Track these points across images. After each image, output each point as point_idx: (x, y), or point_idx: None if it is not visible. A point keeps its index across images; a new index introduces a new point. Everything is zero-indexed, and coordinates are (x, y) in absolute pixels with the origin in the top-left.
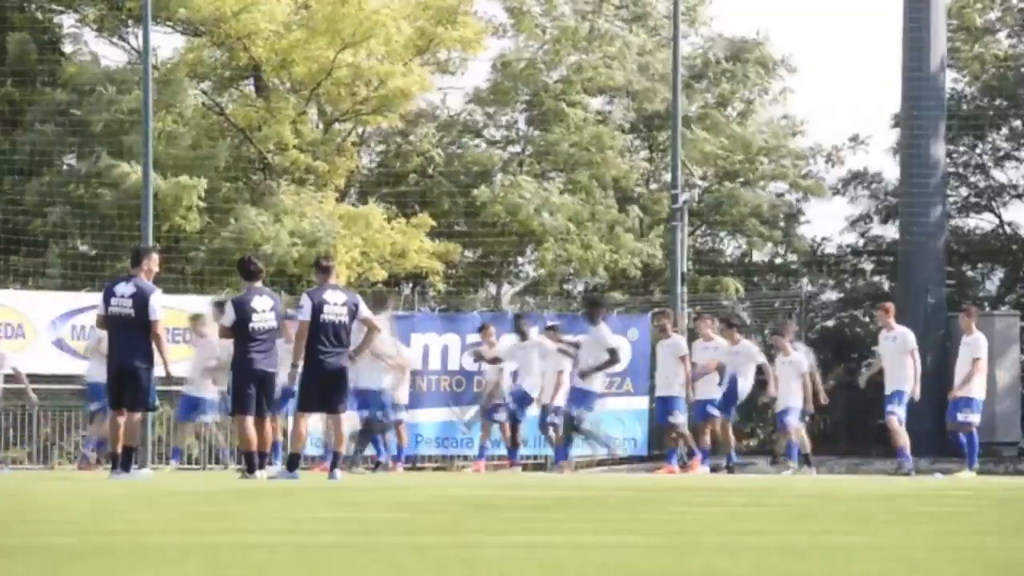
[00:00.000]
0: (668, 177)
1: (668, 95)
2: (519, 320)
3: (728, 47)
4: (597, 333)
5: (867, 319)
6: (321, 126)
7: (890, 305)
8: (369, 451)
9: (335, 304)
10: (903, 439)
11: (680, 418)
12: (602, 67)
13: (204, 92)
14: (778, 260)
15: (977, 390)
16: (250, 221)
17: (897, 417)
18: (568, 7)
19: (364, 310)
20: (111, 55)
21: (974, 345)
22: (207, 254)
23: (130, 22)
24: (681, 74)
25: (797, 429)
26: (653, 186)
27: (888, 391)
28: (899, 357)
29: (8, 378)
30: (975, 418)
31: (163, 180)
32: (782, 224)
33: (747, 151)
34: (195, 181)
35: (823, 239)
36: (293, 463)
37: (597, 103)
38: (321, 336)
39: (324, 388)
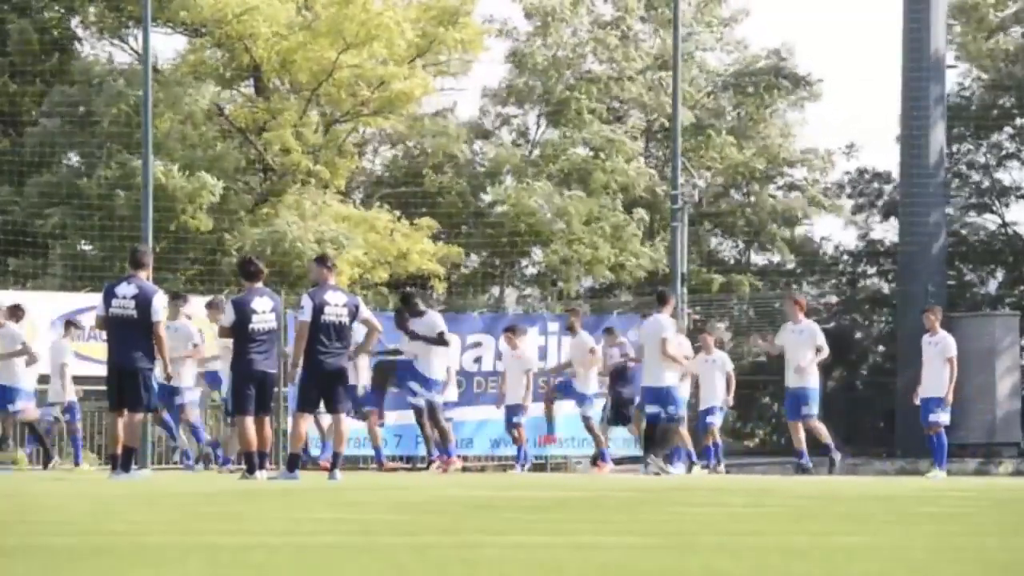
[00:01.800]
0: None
1: (688, 106)
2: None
3: (763, 67)
4: (427, 319)
5: (866, 322)
6: (322, 127)
7: (802, 298)
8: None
9: (336, 305)
10: (827, 435)
11: (590, 411)
12: (618, 76)
13: (209, 94)
14: (777, 259)
15: (950, 390)
16: (282, 221)
17: (814, 418)
18: (589, 13)
19: (365, 311)
20: (115, 56)
21: (943, 344)
22: (237, 254)
23: (131, 23)
24: (714, 83)
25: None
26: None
27: (794, 386)
28: (804, 352)
29: None
30: (946, 419)
31: (179, 176)
32: (789, 226)
33: (773, 160)
34: (213, 180)
35: (822, 239)
36: (293, 463)
37: (613, 103)
38: (321, 336)
39: (324, 388)
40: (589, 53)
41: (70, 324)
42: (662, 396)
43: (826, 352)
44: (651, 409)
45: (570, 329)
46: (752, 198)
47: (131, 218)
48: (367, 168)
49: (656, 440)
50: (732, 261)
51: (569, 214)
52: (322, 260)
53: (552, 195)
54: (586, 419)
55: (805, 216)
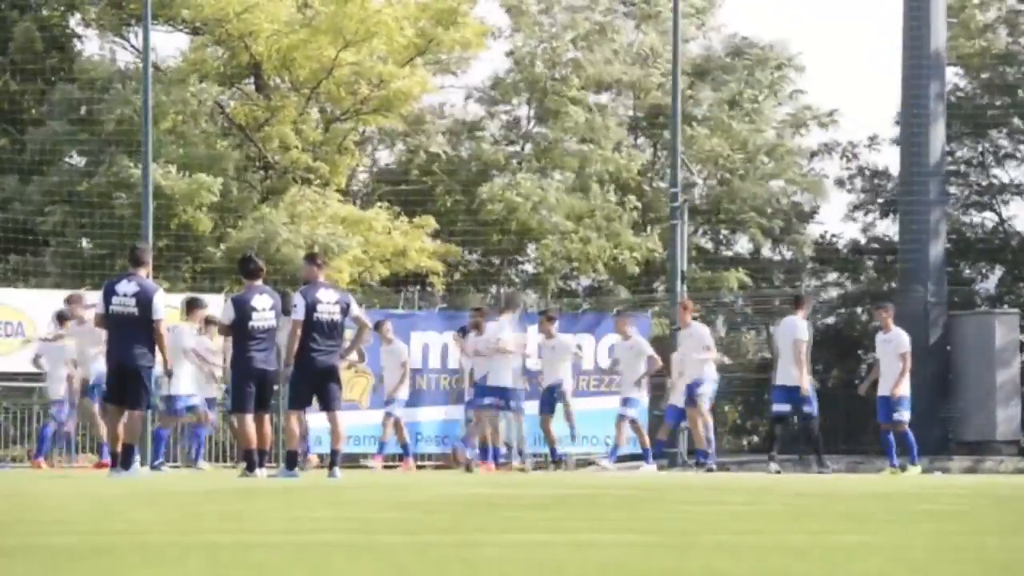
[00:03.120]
0: (669, 174)
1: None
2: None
3: (733, 46)
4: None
5: (866, 317)
6: (322, 125)
7: (690, 303)
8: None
9: (328, 303)
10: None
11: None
12: (600, 63)
13: (210, 93)
14: (781, 256)
15: (905, 387)
16: (272, 224)
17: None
18: (563, 3)
19: (355, 308)
20: (117, 55)
21: (896, 342)
22: (225, 253)
23: (132, 21)
24: (686, 72)
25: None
26: (658, 184)
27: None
28: (694, 354)
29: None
30: (907, 415)
31: (177, 178)
32: (786, 221)
33: (746, 149)
34: (211, 180)
35: (833, 236)
36: (291, 461)
37: (599, 98)
38: (314, 334)
39: (316, 386)
40: (569, 43)
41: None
42: (794, 395)
43: (713, 352)
44: (780, 408)
45: (475, 328)
46: (752, 192)
47: (132, 216)
48: (367, 165)
49: (810, 440)
50: (728, 257)
51: (551, 203)
52: (312, 258)
53: (535, 186)
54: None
55: (815, 211)
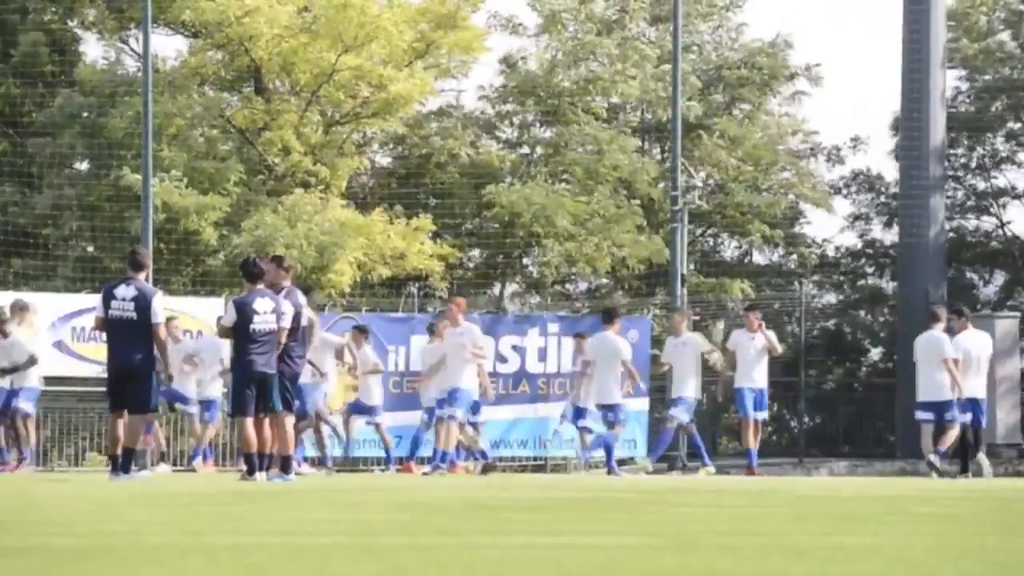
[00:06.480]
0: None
1: (685, 100)
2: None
3: (748, 55)
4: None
5: (869, 319)
6: (322, 128)
7: (461, 300)
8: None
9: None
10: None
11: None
12: (619, 79)
13: (211, 99)
14: (777, 259)
15: (694, 389)
16: (269, 227)
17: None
18: (598, 6)
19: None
20: (118, 61)
21: (691, 344)
22: (225, 258)
23: (132, 26)
24: (700, 79)
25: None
26: (661, 185)
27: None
28: (464, 353)
29: None
30: (684, 417)
31: (187, 193)
32: (784, 226)
33: (755, 159)
34: (220, 199)
35: (824, 240)
36: (285, 465)
37: (609, 97)
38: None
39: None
40: (589, 57)
41: None
42: (975, 407)
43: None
44: (965, 417)
45: (355, 340)
46: (750, 198)
47: (138, 223)
48: (368, 167)
49: (976, 444)
50: (727, 261)
51: (557, 211)
52: (278, 260)
53: (546, 192)
54: (377, 426)
55: (802, 215)
